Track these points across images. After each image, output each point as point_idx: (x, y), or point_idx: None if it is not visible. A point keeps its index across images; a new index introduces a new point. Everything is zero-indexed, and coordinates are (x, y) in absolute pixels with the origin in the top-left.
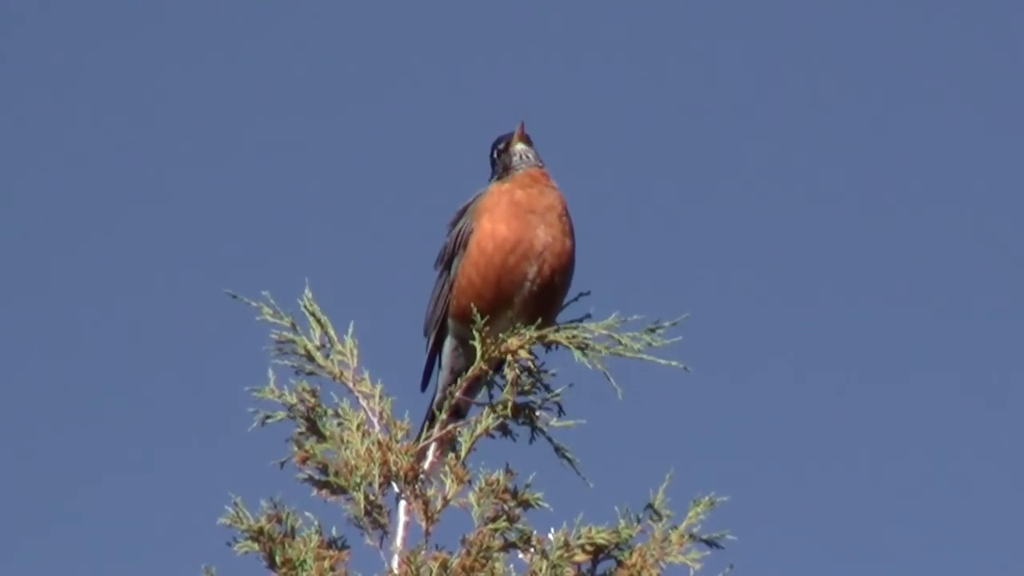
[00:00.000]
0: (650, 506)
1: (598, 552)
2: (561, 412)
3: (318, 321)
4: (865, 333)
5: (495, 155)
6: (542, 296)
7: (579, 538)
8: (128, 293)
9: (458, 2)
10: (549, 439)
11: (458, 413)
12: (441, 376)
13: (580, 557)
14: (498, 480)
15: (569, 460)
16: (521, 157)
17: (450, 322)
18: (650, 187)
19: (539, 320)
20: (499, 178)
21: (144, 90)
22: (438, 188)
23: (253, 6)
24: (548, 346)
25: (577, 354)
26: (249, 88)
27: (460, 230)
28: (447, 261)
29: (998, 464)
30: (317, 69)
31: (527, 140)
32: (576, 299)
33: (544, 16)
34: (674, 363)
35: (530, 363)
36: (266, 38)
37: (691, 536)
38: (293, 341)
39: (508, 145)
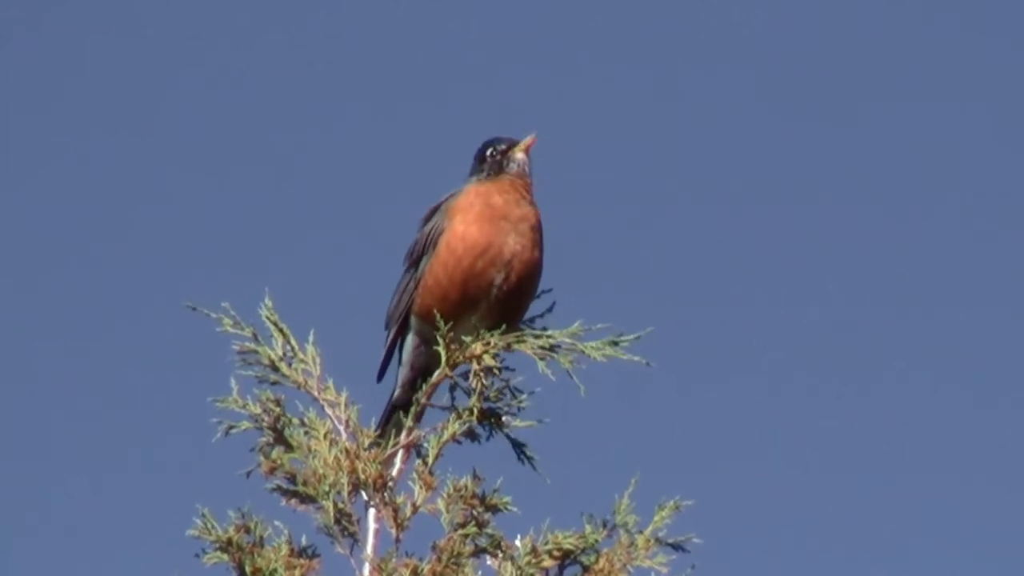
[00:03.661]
0: (616, 510)
1: (565, 557)
2: (515, 415)
3: (280, 331)
4: (832, 335)
5: (490, 154)
6: (507, 302)
7: (547, 544)
8: (100, 303)
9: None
10: (508, 436)
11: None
12: (401, 373)
13: (548, 563)
14: (466, 486)
15: (528, 458)
16: (520, 166)
17: (413, 319)
18: (619, 188)
19: (503, 326)
20: (483, 178)
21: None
22: (403, 188)
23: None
24: (506, 350)
25: (541, 365)
26: (231, 92)
27: (431, 228)
28: (415, 258)
29: (973, 467)
30: (288, 74)
31: (528, 154)
32: (539, 296)
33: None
34: (636, 358)
35: (495, 369)
36: (235, 42)
37: (657, 540)
38: (256, 351)
39: (510, 149)
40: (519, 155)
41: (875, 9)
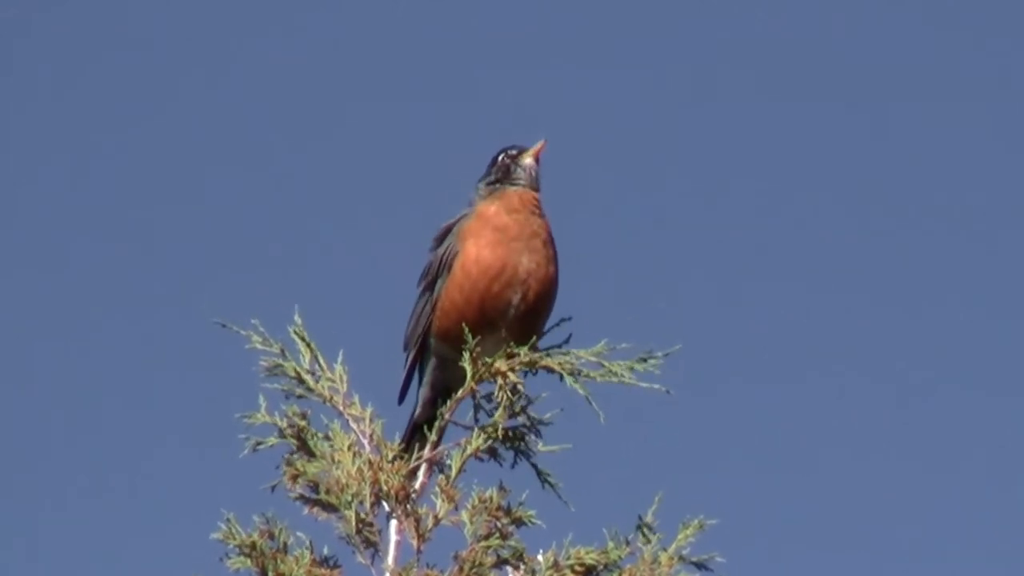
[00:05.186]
0: (639, 527)
1: (588, 573)
2: (539, 436)
3: (308, 346)
4: (853, 353)
5: (501, 158)
6: (525, 321)
7: (569, 559)
8: (126, 311)
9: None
10: (533, 465)
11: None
12: (422, 393)
13: None
14: (491, 498)
15: (551, 485)
16: (528, 172)
17: (432, 341)
18: (633, 200)
19: (522, 343)
20: (490, 185)
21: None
22: (430, 200)
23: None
24: (531, 370)
25: (569, 379)
26: (246, 95)
27: (446, 251)
28: (431, 281)
29: (991, 483)
30: (310, 77)
31: (538, 160)
32: (558, 324)
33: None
34: (656, 386)
35: (519, 385)
36: (257, 42)
37: (680, 558)
38: (282, 366)
39: (520, 155)
40: (527, 161)
41: (874, 9)
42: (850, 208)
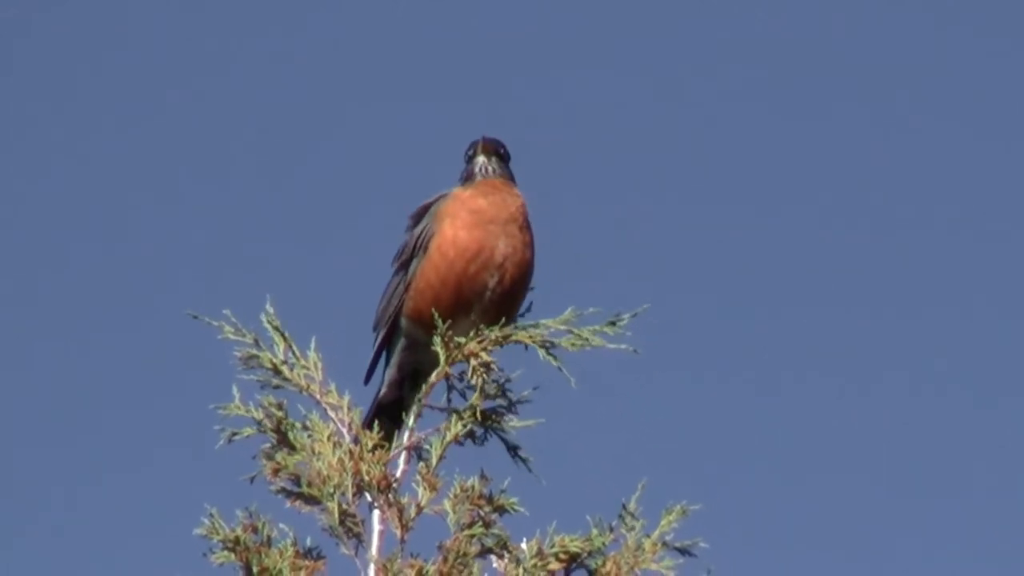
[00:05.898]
0: (622, 515)
1: (572, 561)
2: (513, 409)
3: (282, 336)
4: (839, 337)
5: (466, 156)
6: (501, 304)
7: (553, 546)
8: (104, 308)
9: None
10: (503, 440)
11: (392, 415)
12: (388, 373)
13: (554, 566)
14: (473, 486)
15: (523, 460)
16: (481, 169)
17: (403, 321)
18: (612, 185)
19: (493, 327)
20: (463, 182)
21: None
22: (399, 189)
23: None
24: (501, 345)
25: (542, 352)
26: (233, 95)
27: (422, 231)
28: (405, 260)
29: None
30: (287, 77)
31: (491, 153)
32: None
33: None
34: (623, 347)
35: (493, 365)
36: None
37: (664, 544)
38: (257, 357)
39: (473, 154)
40: (479, 159)
41: (875, 9)
42: (848, 206)
